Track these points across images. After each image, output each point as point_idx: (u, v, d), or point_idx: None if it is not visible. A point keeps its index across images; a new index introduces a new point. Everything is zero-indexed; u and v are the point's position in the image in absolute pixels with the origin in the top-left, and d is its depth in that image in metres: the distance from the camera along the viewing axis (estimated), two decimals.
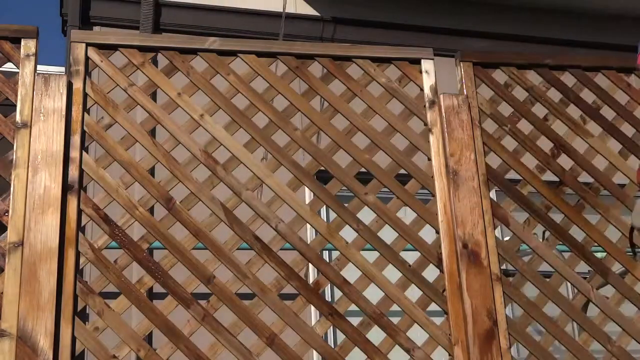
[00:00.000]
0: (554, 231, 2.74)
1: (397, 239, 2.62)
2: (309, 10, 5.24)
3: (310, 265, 2.61)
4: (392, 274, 2.56)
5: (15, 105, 2.42)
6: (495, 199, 2.81)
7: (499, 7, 5.59)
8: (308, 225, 2.76)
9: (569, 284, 2.81)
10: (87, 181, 2.46)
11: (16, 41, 2.48)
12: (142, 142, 2.54)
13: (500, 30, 5.51)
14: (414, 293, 2.54)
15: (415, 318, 2.52)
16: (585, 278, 2.72)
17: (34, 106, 2.42)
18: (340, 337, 3.69)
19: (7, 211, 2.30)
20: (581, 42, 5.53)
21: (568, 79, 2.97)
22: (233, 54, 2.70)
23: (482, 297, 2.51)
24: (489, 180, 2.72)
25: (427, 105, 2.77)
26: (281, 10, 4.99)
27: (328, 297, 4.22)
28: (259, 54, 2.73)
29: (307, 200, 4.03)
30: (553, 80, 2.99)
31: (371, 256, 2.58)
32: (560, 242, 2.75)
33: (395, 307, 2.53)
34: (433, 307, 2.54)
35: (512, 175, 2.78)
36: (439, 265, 2.58)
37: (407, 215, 2.68)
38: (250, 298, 2.44)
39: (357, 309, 2.52)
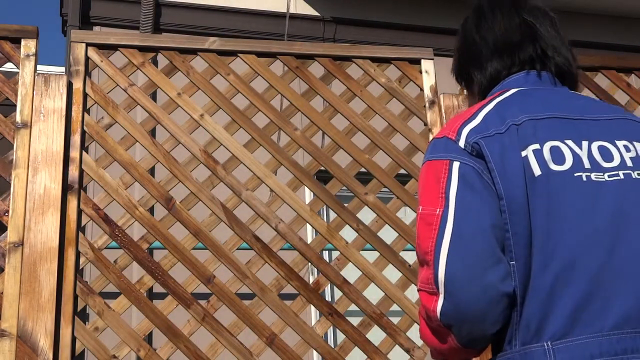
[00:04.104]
0: None
1: (397, 239, 2.62)
2: (310, 11, 5.24)
3: (309, 265, 2.61)
4: (392, 274, 2.56)
5: (15, 105, 2.42)
6: None
7: None
8: (308, 225, 2.75)
9: None
10: (87, 181, 2.46)
11: (16, 41, 2.48)
12: (142, 142, 2.54)
13: None
14: (414, 293, 2.54)
15: (416, 318, 2.51)
16: None
17: (34, 106, 2.42)
18: (340, 337, 3.69)
19: (7, 211, 2.30)
20: (581, 42, 5.52)
21: None
22: (233, 54, 2.70)
23: None
24: None
25: (427, 105, 2.77)
26: (281, 11, 4.99)
27: (328, 297, 4.22)
28: (259, 54, 2.73)
29: (307, 200, 4.04)
30: None
31: (371, 256, 2.58)
32: None
33: (395, 307, 2.53)
34: None
35: None
36: None
37: (407, 215, 2.68)
38: (250, 298, 2.44)
39: (357, 309, 2.52)
